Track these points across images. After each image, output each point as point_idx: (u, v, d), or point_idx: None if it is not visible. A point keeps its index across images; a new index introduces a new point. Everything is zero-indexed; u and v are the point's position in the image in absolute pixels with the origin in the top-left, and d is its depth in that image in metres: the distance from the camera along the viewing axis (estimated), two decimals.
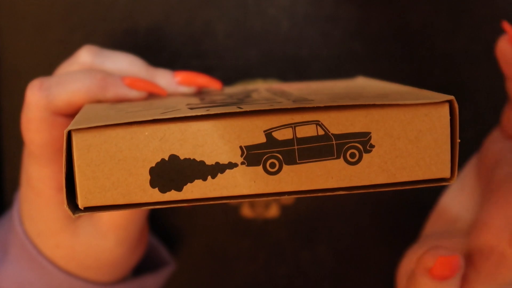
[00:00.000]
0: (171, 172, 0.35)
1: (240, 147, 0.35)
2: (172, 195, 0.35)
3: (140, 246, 0.48)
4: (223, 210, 0.55)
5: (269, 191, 0.35)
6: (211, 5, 0.53)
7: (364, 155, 0.35)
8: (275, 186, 0.35)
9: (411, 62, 0.53)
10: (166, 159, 0.35)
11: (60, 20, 0.53)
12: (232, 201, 0.35)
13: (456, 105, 0.36)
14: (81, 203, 0.35)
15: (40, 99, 0.42)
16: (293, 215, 0.55)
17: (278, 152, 0.35)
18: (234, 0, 0.53)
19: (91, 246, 0.45)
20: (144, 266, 0.54)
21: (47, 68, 0.53)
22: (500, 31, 0.53)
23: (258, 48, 0.53)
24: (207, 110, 0.35)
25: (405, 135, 0.36)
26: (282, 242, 0.56)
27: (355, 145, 0.35)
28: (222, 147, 0.35)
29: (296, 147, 0.35)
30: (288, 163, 0.35)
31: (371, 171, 0.36)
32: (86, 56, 0.45)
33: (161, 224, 0.55)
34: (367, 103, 0.35)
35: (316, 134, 0.35)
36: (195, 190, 0.35)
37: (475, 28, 0.53)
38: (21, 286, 0.47)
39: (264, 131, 0.35)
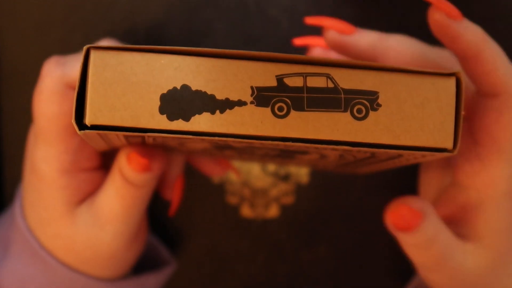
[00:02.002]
0: (181, 101, 0.36)
1: (251, 87, 0.36)
2: (179, 124, 0.36)
3: (137, 241, 0.48)
4: (223, 210, 0.55)
5: (275, 135, 0.36)
6: (211, 5, 0.53)
7: (371, 112, 0.37)
8: (281, 130, 0.36)
9: None
10: (178, 88, 0.36)
11: (60, 20, 0.53)
12: (237, 140, 0.36)
13: (462, 79, 0.37)
14: (89, 120, 0.36)
15: (56, 70, 0.44)
16: (293, 215, 0.55)
17: (287, 97, 0.36)
18: (234, 0, 0.53)
19: (89, 237, 0.46)
20: (145, 266, 0.54)
21: None
22: (500, 31, 0.53)
23: (258, 48, 0.53)
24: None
25: (411, 99, 0.37)
26: (282, 242, 0.56)
27: (362, 102, 0.37)
28: (233, 84, 0.36)
29: (305, 95, 0.36)
30: (296, 109, 0.36)
31: (376, 129, 0.37)
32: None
33: (161, 224, 0.55)
34: (377, 65, 0.37)
35: (326, 86, 0.36)
36: (202, 122, 0.36)
37: None
38: (22, 282, 0.47)
39: (276, 76, 0.36)
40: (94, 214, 0.45)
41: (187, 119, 0.36)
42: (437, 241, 0.44)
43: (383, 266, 0.56)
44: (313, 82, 0.36)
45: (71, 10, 0.53)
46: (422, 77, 0.37)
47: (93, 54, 0.36)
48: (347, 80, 0.37)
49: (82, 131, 0.36)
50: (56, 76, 0.44)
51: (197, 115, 0.36)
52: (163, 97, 0.36)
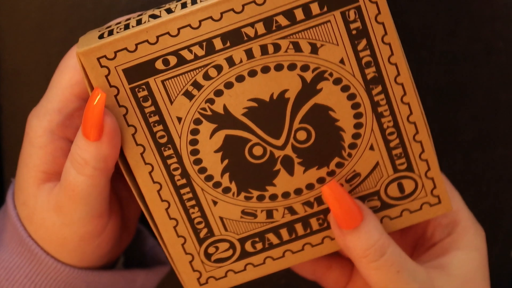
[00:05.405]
0: None
1: None
2: None
3: (105, 234, 0.47)
4: None
5: None
6: None
7: None
8: None
9: (411, 62, 0.53)
10: None
11: (60, 20, 0.53)
12: None
13: None
14: None
15: None
16: None
17: None
18: None
19: (44, 218, 0.46)
20: (144, 266, 0.54)
21: (47, 68, 0.53)
22: (500, 31, 0.53)
23: None
24: None
25: None
26: None
27: None
28: None
29: None
30: None
31: None
32: None
33: None
34: None
35: None
36: None
37: (475, 28, 0.53)
38: (9, 271, 0.47)
39: None
40: (54, 197, 0.45)
41: None
42: (389, 255, 0.44)
43: None
44: None
45: (71, 10, 0.53)
46: None
47: None
48: None
49: None
50: None
51: None
52: None
